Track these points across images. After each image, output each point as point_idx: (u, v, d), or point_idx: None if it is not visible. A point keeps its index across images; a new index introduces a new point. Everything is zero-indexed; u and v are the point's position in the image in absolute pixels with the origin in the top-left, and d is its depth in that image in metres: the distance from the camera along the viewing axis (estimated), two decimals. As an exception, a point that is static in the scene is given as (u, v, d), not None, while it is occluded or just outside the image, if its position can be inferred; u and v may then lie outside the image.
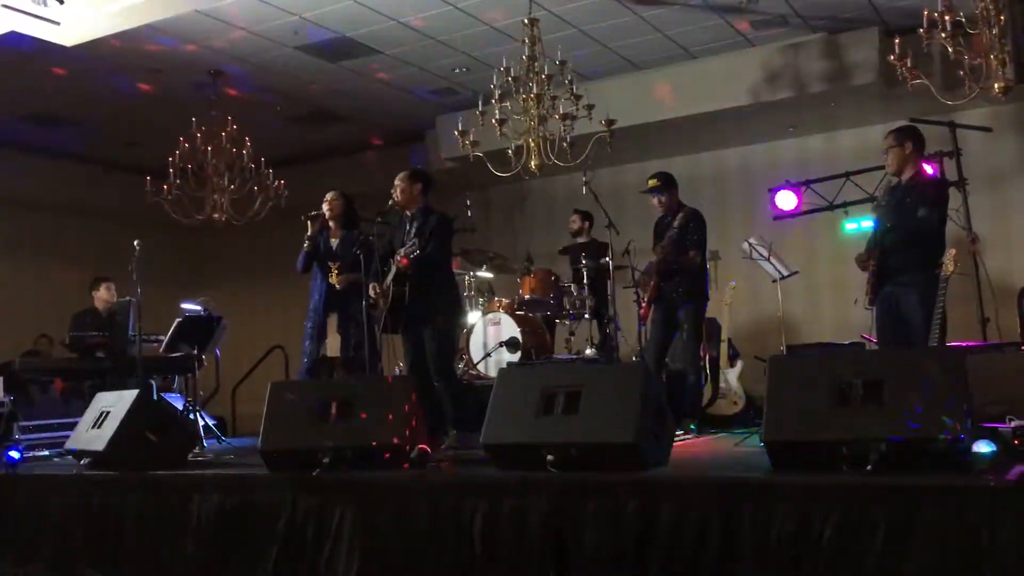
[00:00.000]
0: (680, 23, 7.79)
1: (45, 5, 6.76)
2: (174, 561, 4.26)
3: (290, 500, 4.02)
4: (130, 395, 5.05)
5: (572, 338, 7.94)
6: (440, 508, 3.67)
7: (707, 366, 7.22)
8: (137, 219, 9.70)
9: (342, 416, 4.25)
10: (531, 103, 6.63)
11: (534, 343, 7.37)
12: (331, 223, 6.21)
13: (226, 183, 8.31)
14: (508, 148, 6.80)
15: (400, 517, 3.76)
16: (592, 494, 3.40)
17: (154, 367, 7.18)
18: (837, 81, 8.01)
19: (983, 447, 3.23)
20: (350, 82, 8.84)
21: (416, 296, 5.50)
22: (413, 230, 5.62)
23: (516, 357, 7.19)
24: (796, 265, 8.02)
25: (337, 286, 5.98)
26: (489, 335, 7.45)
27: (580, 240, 8.17)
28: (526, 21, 6.69)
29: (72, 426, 5.54)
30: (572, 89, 6.65)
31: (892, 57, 5.73)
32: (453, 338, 5.97)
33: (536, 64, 6.63)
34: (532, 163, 6.72)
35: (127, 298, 7.10)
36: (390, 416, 4.21)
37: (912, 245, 5.05)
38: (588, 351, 7.51)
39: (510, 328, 7.32)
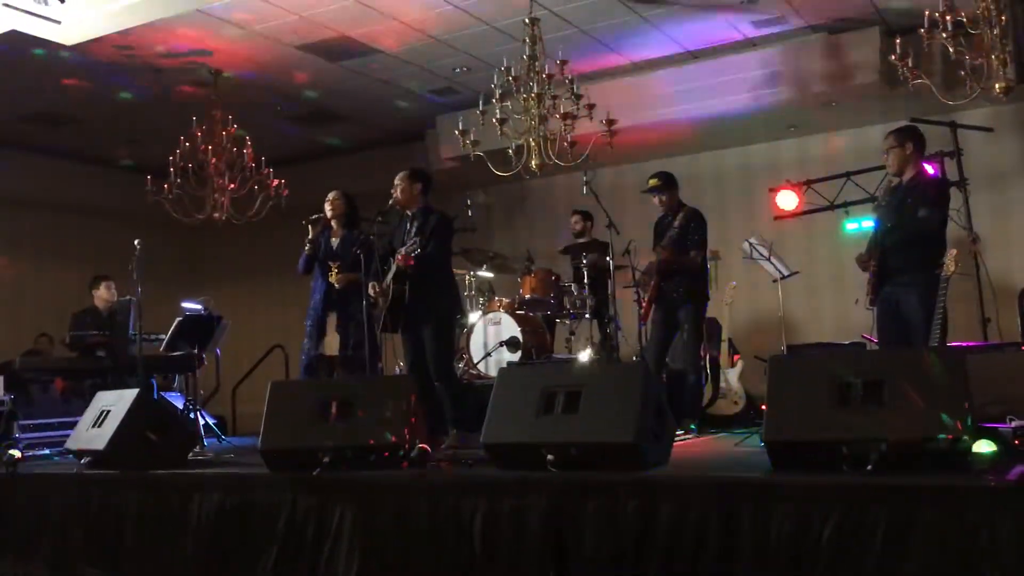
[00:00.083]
0: (681, 23, 7.79)
1: (46, 4, 6.76)
2: (174, 560, 4.26)
3: (290, 499, 4.02)
4: (130, 394, 5.05)
5: (572, 338, 7.94)
6: (440, 508, 3.67)
7: (707, 366, 7.21)
8: (137, 218, 9.71)
9: (342, 416, 4.25)
10: (532, 102, 6.63)
11: (534, 343, 7.37)
12: (333, 223, 6.21)
13: (226, 182, 8.31)
14: (509, 147, 6.81)
15: (400, 517, 3.76)
16: (592, 494, 3.40)
17: (154, 366, 7.18)
18: (838, 81, 8.00)
19: (983, 447, 3.23)
20: (350, 81, 8.84)
21: (416, 295, 5.50)
22: (413, 229, 5.62)
23: (516, 357, 7.19)
24: (796, 265, 8.02)
25: (336, 285, 5.98)
26: (489, 335, 7.45)
27: (581, 240, 8.17)
28: (527, 20, 6.69)
29: (72, 425, 5.54)
30: (573, 89, 6.64)
31: (893, 57, 5.74)
32: (452, 338, 5.97)
33: (537, 64, 6.63)
34: (533, 163, 6.72)
35: (127, 297, 7.11)
36: (390, 416, 4.21)
37: (913, 245, 5.04)
38: (583, 354, 7.48)
39: (510, 328, 7.32)
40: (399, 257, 5.40)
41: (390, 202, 5.71)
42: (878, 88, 7.92)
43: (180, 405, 7.21)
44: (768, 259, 7.65)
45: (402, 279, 5.50)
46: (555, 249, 8.60)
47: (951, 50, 5.44)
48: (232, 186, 8.34)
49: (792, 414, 3.43)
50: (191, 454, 5.29)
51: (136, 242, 6.15)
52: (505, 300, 7.69)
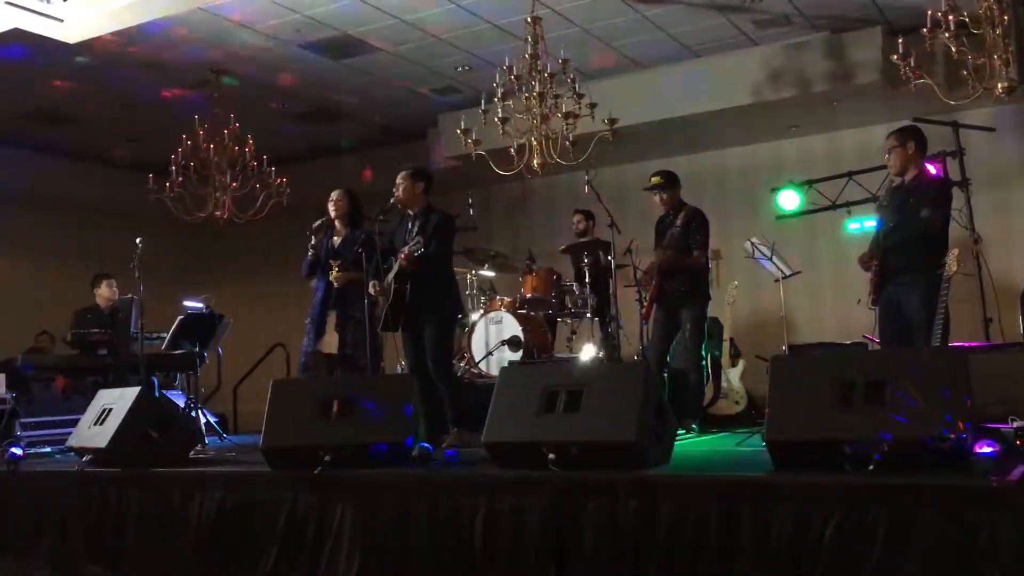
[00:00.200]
0: (683, 22, 7.79)
1: (48, 2, 6.77)
2: (175, 558, 4.26)
3: (291, 498, 4.03)
4: (132, 392, 5.05)
5: (574, 337, 7.94)
6: (440, 507, 3.67)
7: (709, 366, 7.21)
8: (139, 217, 9.70)
9: (343, 414, 4.25)
10: (533, 101, 6.62)
11: (536, 342, 7.37)
12: (336, 222, 6.21)
13: (228, 181, 8.31)
14: (510, 146, 6.80)
15: (401, 515, 3.76)
16: (593, 493, 3.40)
17: (156, 364, 7.18)
18: (840, 80, 7.99)
19: (985, 447, 3.23)
20: (352, 80, 8.84)
21: (417, 295, 5.50)
22: (415, 229, 5.61)
23: (518, 356, 7.19)
24: (798, 265, 8.02)
25: (336, 284, 5.98)
26: (491, 334, 7.45)
27: (583, 239, 8.17)
28: (529, 19, 6.68)
29: (74, 423, 5.55)
30: (575, 88, 6.64)
31: (895, 57, 5.72)
32: (452, 337, 5.97)
33: (539, 62, 6.62)
34: (534, 162, 6.72)
35: (129, 295, 7.11)
36: (391, 414, 4.21)
37: (915, 245, 5.04)
38: (584, 353, 7.48)
39: (512, 327, 7.31)
40: (402, 256, 5.40)
41: (392, 201, 5.71)
42: (880, 88, 7.91)
43: (181, 403, 7.22)
44: (770, 259, 7.64)
45: (404, 278, 5.50)
46: (556, 248, 8.59)
47: (953, 50, 5.43)
48: (234, 184, 8.33)
49: (794, 414, 3.43)
50: (192, 452, 5.29)
51: (138, 240, 6.15)
52: (506, 299, 7.69)
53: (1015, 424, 3.67)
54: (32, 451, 5.99)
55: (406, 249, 5.38)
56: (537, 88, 6.60)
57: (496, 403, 3.96)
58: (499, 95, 6.67)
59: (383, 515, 3.80)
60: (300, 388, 4.87)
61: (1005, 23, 5.36)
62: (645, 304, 6.31)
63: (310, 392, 4.48)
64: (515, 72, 6.58)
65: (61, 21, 7.03)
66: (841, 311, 8.56)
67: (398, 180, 5.71)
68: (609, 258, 6.80)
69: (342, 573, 3.79)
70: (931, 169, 5.74)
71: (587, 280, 7.38)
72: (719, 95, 8.45)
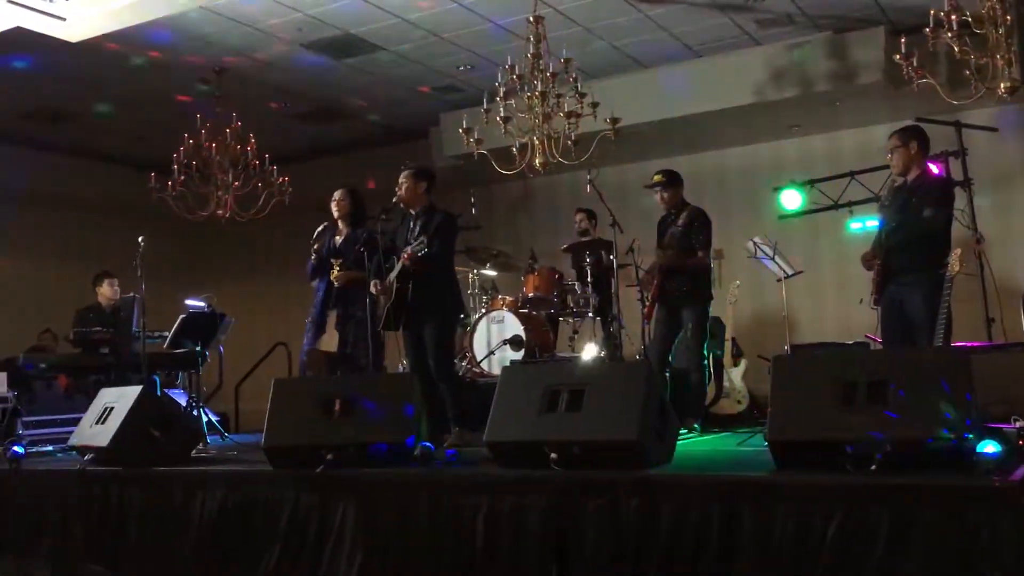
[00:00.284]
0: (685, 21, 7.78)
1: (51, 1, 6.77)
2: (176, 557, 4.26)
3: (293, 497, 4.03)
4: (133, 391, 5.05)
5: (576, 336, 7.93)
6: (442, 506, 3.67)
7: (711, 365, 7.21)
8: (141, 215, 9.70)
9: (345, 413, 4.25)
10: (535, 101, 6.62)
11: (537, 341, 7.37)
12: (339, 222, 6.21)
13: (230, 180, 8.31)
14: (512, 146, 6.80)
15: (402, 515, 3.76)
16: (594, 492, 3.40)
17: (158, 363, 7.19)
18: (842, 80, 7.98)
19: (988, 447, 3.22)
20: (354, 79, 8.84)
21: (419, 294, 5.50)
22: (417, 228, 5.60)
23: (520, 355, 7.19)
24: (800, 264, 8.01)
25: (336, 283, 5.98)
26: (493, 333, 7.45)
27: (585, 239, 8.16)
28: (531, 18, 6.68)
29: (75, 422, 5.55)
30: (577, 87, 6.64)
31: (898, 56, 5.71)
32: (453, 337, 5.96)
33: (541, 62, 6.62)
34: (536, 161, 6.71)
35: (131, 294, 7.12)
36: (393, 413, 4.21)
37: (917, 245, 5.04)
38: (586, 352, 7.48)
39: (513, 326, 7.31)
40: (405, 256, 5.39)
41: (394, 200, 5.70)
42: (882, 87, 7.90)
43: (183, 402, 7.22)
44: (772, 258, 7.64)
45: (406, 278, 5.50)
46: (558, 247, 8.59)
47: (956, 49, 5.42)
48: (236, 183, 8.33)
49: (796, 414, 3.42)
50: (194, 451, 5.29)
51: (140, 239, 6.15)
52: (508, 298, 7.69)
53: (1017, 424, 3.67)
54: (34, 450, 5.98)
55: (409, 249, 5.37)
56: (539, 87, 6.60)
57: (498, 402, 3.96)
58: (501, 94, 6.66)
59: (385, 514, 3.80)
60: (302, 387, 4.87)
61: (1008, 23, 5.34)
62: (647, 304, 6.31)
63: (312, 391, 4.48)
64: (517, 71, 6.58)
65: (64, 20, 7.03)
66: (843, 311, 8.55)
67: (401, 179, 5.70)
68: (611, 257, 6.79)
69: (343, 572, 3.80)
70: (933, 169, 5.73)
71: (589, 279, 7.38)
72: (721, 95, 8.44)
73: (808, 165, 9.10)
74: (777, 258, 7.65)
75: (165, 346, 7.27)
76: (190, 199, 8.40)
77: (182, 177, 8.21)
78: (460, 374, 6.84)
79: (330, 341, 6.07)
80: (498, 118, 6.63)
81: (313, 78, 8.76)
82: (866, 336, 6.70)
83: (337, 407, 4.27)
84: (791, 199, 8.82)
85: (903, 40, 5.77)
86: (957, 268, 4.81)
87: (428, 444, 4.28)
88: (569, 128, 6.68)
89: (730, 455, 4.69)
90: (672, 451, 3.92)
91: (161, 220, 9.22)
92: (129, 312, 7.23)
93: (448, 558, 3.61)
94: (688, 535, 3.19)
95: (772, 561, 3.02)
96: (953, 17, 5.36)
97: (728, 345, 7.76)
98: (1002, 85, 5.38)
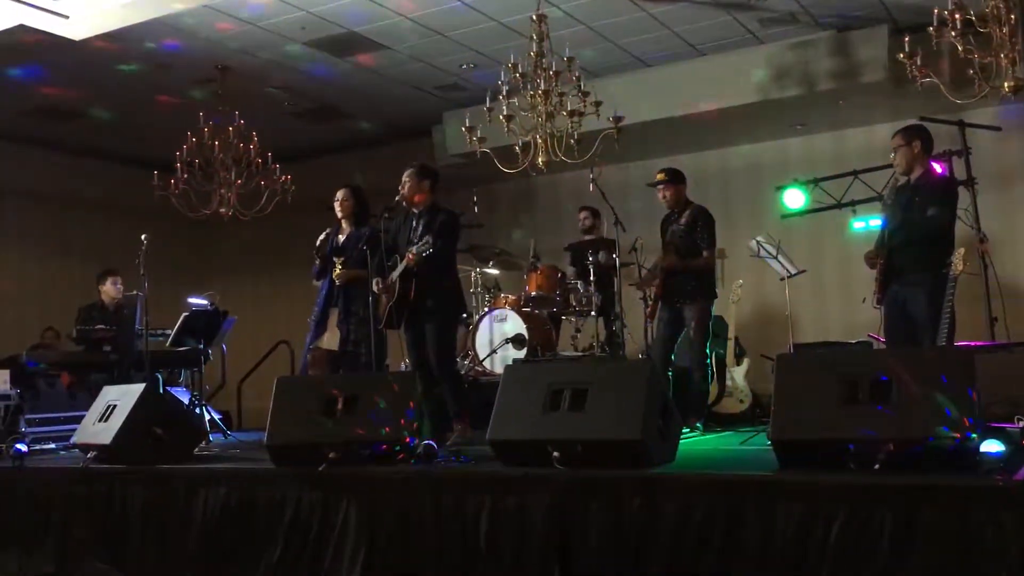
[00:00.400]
0: (688, 20, 7.78)
1: (54, -1, 6.78)
2: (179, 555, 4.27)
3: (295, 495, 4.03)
4: (136, 389, 5.05)
5: (578, 335, 7.93)
6: (445, 504, 3.67)
7: (713, 364, 7.21)
8: (144, 214, 9.70)
9: (348, 411, 4.25)
10: (538, 99, 6.62)
11: (540, 340, 7.37)
12: (343, 221, 6.21)
13: (233, 178, 8.32)
14: (515, 144, 6.80)
15: (405, 513, 3.76)
16: (597, 491, 3.40)
17: (160, 361, 7.19)
18: (846, 79, 7.98)
19: (991, 447, 3.22)
20: (357, 77, 8.84)
21: (422, 293, 5.50)
22: (420, 227, 5.60)
23: (522, 353, 7.18)
24: (803, 263, 8.00)
25: (336, 281, 5.98)
26: (495, 331, 7.45)
27: (588, 237, 8.16)
28: (534, 17, 6.68)
29: (78, 420, 5.55)
30: (579, 85, 6.64)
31: (901, 55, 5.70)
32: (454, 335, 5.96)
33: (544, 60, 6.61)
34: (539, 159, 6.71)
35: (134, 292, 7.12)
36: (395, 412, 4.21)
37: (920, 244, 5.03)
38: (588, 351, 7.48)
39: (516, 324, 7.31)
40: (410, 256, 5.38)
41: (397, 199, 5.70)
42: (886, 86, 7.89)
43: (186, 400, 7.23)
44: (775, 257, 7.63)
45: (408, 277, 5.49)
46: (561, 246, 8.59)
47: (960, 48, 5.41)
48: (238, 182, 8.34)
49: (798, 413, 3.42)
50: (196, 449, 5.30)
51: (143, 237, 6.16)
52: (511, 297, 7.68)
53: (1021, 424, 3.67)
54: (37, 447, 5.99)
55: (414, 249, 5.36)
56: (542, 86, 6.60)
57: (501, 401, 3.96)
58: (504, 93, 6.66)
59: (387, 512, 3.80)
60: (304, 385, 4.87)
61: (1012, 22, 5.33)
62: (650, 303, 6.30)
63: (314, 389, 4.48)
64: (520, 70, 6.57)
65: (66, 18, 7.04)
66: (846, 310, 8.54)
67: (404, 178, 5.70)
68: (614, 256, 6.79)
69: (346, 570, 3.80)
70: (937, 168, 5.72)
71: (592, 278, 7.37)
72: (724, 93, 8.43)
73: (811, 164, 9.09)
74: (780, 257, 7.64)
75: (168, 344, 7.28)
76: (193, 197, 8.40)
77: (185, 175, 8.22)
78: (462, 372, 6.84)
79: (331, 339, 6.07)
80: (501, 117, 6.63)
81: (316, 76, 8.76)
82: (869, 335, 6.70)
83: (339, 405, 4.27)
84: (794, 198, 8.81)
85: (907, 39, 5.75)
86: (960, 268, 4.80)
87: (431, 442, 4.28)
88: (572, 127, 6.67)
89: (733, 454, 4.69)
90: (675, 450, 3.92)
91: (164, 218, 9.23)
92: (132, 310, 7.24)
93: (450, 556, 3.61)
94: (691, 534, 3.18)
95: (775, 560, 3.02)
96: (957, 16, 5.35)
97: (731, 344, 7.75)
98: (1006, 84, 5.36)
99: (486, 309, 7.70)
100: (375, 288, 5.64)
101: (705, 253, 6.18)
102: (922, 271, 4.99)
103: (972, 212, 7.16)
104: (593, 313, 7.48)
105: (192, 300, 7.60)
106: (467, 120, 6.88)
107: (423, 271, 5.43)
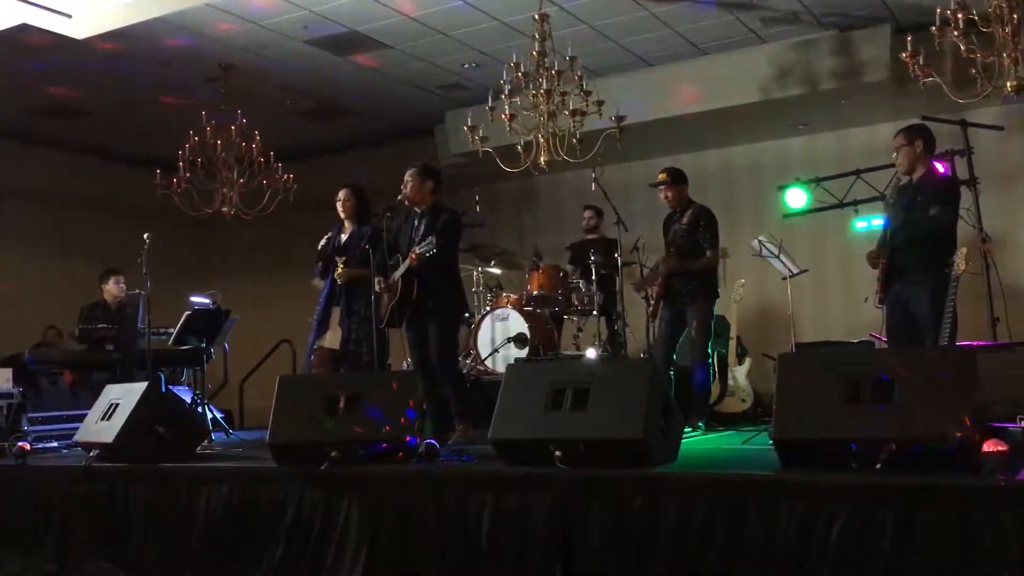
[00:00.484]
0: (691, 19, 7.78)
1: (57, -2, 6.79)
2: (181, 553, 4.27)
3: (297, 494, 4.03)
4: (139, 388, 5.06)
5: (580, 334, 7.93)
6: (446, 503, 3.67)
7: (715, 363, 7.21)
8: (146, 212, 9.72)
9: (350, 410, 4.26)
10: (541, 99, 6.62)
11: (541, 339, 7.37)
12: (345, 221, 6.22)
13: (235, 177, 8.32)
14: (517, 144, 6.80)
15: (406, 512, 3.76)
16: (599, 490, 3.40)
17: (163, 360, 7.20)
18: (848, 78, 7.97)
19: (993, 447, 3.21)
20: (359, 76, 8.84)
21: (424, 293, 5.50)
22: (423, 227, 5.60)
23: (524, 353, 7.19)
24: (805, 263, 8.00)
25: (339, 280, 5.99)
26: (497, 331, 7.45)
27: (590, 236, 8.16)
28: (536, 16, 6.67)
29: (81, 418, 5.56)
30: (582, 85, 6.64)
31: (904, 55, 5.70)
32: (456, 335, 5.97)
33: (546, 60, 6.62)
34: (541, 159, 6.72)
35: (137, 291, 7.13)
36: (397, 411, 4.21)
37: (923, 244, 5.03)
38: (590, 350, 7.47)
39: (518, 324, 7.32)
40: (413, 256, 5.38)
41: (399, 198, 5.70)
42: (888, 86, 7.89)
43: (188, 399, 7.23)
44: (777, 257, 7.63)
45: (410, 276, 5.50)
46: (562, 245, 8.59)
47: (962, 48, 5.41)
48: (241, 181, 8.34)
49: (800, 412, 3.42)
50: (199, 448, 5.30)
51: (145, 236, 6.16)
52: (513, 296, 7.69)
53: (1023, 424, 3.66)
54: (39, 446, 6.00)
55: (417, 249, 5.36)
56: (544, 85, 6.60)
57: (503, 400, 3.96)
58: (506, 92, 6.67)
59: (389, 511, 3.81)
60: (307, 384, 4.87)
61: (1015, 21, 5.33)
62: (651, 302, 6.30)
63: (317, 388, 4.48)
64: (522, 69, 6.58)
65: (69, 17, 7.05)
66: (848, 309, 8.54)
67: (406, 177, 5.70)
68: (616, 255, 6.79)
69: (347, 569, 3.80)
70: (939, 168, 5.72)
71: (593, 278, 7.37)
72: (726, 93, 8.43)
73: (813, 163, 9.09)
74: (782, 256, 7.64)
75: (170, 343, 7.28)
76: (195, 196, 8.41)
77: (187, 174, 8.22)
78: (464, 372, 6.84)
79: (333, 338, 6.08)
80: (503, 116, 6.63)
81: (318, 75, 8.76)
82: (871, 335, 6.70)
83: (342, 404, 4.27)
84: (796, 197, 8.81)
85: (909, 38, 5.75)
86: (963, 267, 4.80)
87: (432, 441, 4.28)
88: (574, 126, 6.68)
89: (735, 453, 4.69)
90: (677, 449, 3.92)
91: (166, 217, 9.24)
92: (134, 309, 7.25)
93: (452, 555, 3.62)
94: (692, 533, 3.18)
95: (776, 560, 3.02)
96: (959, 15, 5.34)
97: (733, 343, 7.75)
98: (1008, 84, 5.36)
99: (488, 308, 7.71)
100: (377, 287, 5.64)
101: (708, 253, 6.19)
102: (924, 271, 4.99)
103: (974, 212, 7.15)
104: (595, 312, 7.49)
105: (194, 299, 7.61)
106: (469, 119, 6.89)
107: (425, 271, 5.44)
